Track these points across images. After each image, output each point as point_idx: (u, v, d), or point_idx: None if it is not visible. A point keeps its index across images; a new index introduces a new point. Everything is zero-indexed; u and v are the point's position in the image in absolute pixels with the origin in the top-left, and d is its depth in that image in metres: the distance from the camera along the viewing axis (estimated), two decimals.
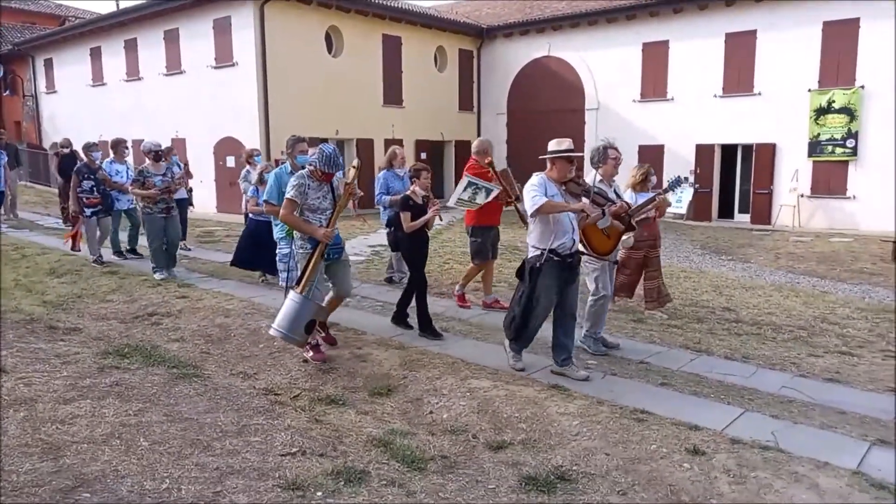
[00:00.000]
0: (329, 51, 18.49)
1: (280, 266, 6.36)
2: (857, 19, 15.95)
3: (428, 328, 6.10)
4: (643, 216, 6.50)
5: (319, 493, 3.22)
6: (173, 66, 19.04)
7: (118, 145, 10.09)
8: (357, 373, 5.11)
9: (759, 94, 17.51)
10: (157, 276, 8.36)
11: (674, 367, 5.42)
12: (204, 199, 17.41)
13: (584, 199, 5.14)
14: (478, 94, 23.19)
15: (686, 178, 6.54)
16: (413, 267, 6.21)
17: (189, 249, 10.90)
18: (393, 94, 20.14)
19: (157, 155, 8.41)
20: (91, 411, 4.11)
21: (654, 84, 19.33)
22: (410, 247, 6.14)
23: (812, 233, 15.83)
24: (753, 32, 17.38)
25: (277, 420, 4.12)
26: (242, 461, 3.52)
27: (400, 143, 19.09)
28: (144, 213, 8.46)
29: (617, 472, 3.57)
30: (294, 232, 5.50)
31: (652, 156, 18.88)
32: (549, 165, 5.05)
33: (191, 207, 11.70)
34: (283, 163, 7.74)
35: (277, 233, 6.36)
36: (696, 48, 18.30)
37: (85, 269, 8.92)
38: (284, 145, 6.65)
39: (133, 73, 20.47)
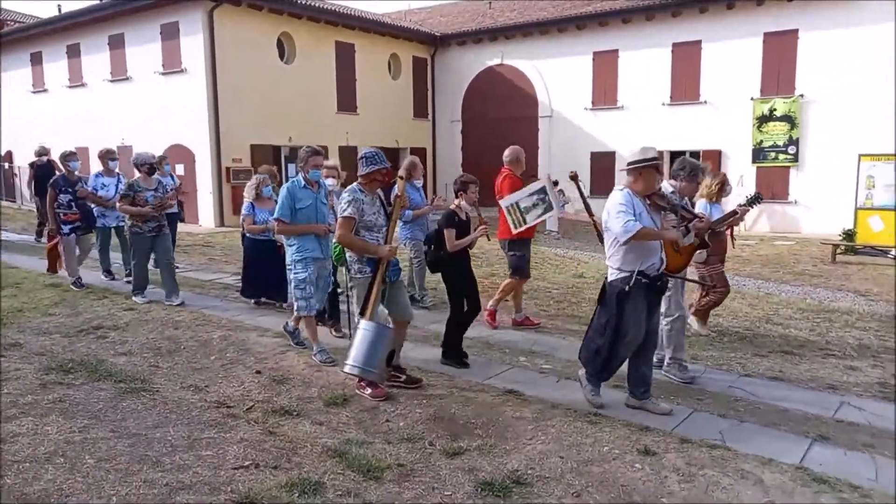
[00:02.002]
0: (281, 57, 18.33)
1: (297, 293, 5.61)
2: (796, 31, 16.63)
3: (453, 355, 5.58)
4: (718, 230, 5.94)
5: None
6: (119, 71, 18.58)
7: (104, 157, 8.98)
8: (312, 383, 5.05)
9: (705, 102, 18.08)
10: (138, 298, 7.62)
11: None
12: None
13: (670, 215, 4.71)
14: (432, 101, 23.30)
15: (760, 196, 6.03)
16: (453, 291, 5.60)
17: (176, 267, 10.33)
18: (347, 101, 20.08)
19: (152, 168, 7.67)
20: (33, 429, 3.96)
21: (604, 92, 19.76)
22: (454, 269, 5.54)
23: (757, 236, 16.37)
24: (698, 43, 17.95)
25: (230, 433, 4.04)
26: (193, 476, 3.44)
27: (354, 150, 19.03)
28: (132, 232, 7.57)
29: (571, 475, 3.62)
30: (348, 256, 4.97)
31: (604, 163, 19.29)
32: (631, 177, 4.52)
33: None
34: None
35: (292, 255, 5.61)
36: (644, 57, 18.80)
37: (26, 283, 8.60)
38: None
39: (76, 79, 19.91)
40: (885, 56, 15.52)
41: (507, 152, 6.93)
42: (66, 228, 8.34)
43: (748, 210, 5.90)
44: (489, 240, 5.86)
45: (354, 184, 4.93)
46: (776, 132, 17.15)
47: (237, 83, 16.84)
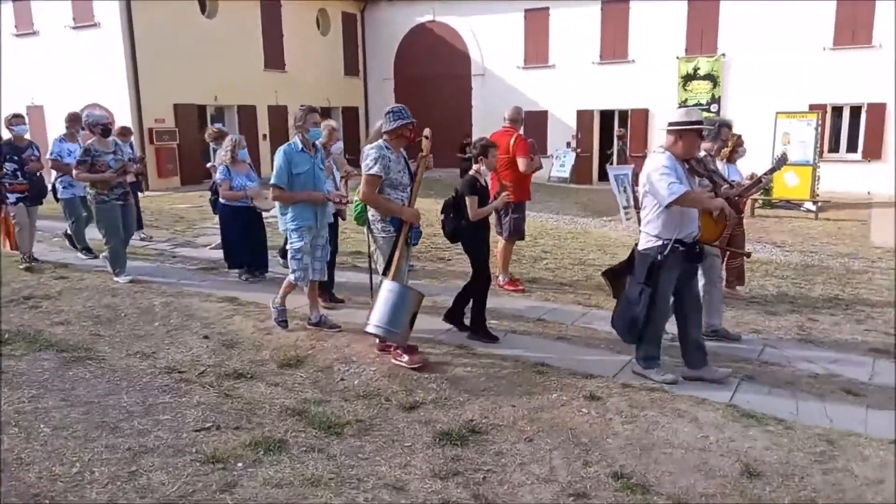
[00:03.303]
0: (202, 11, 17.50)
1: (293, 264, 5.30)
2: None
3: (481, 330, 5.32)
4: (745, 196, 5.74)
5: (240, 465, 3.23)
6: (24, 25, 17.34)
7: (73, 122, 8.17)
8: (263, 346, 5.06)
9: (633, 61, 18.48)
10: (122, 279, 6.89)
11: (568, 322, 5.79)
12: None
13: (705, 181, 4.56)
14: (363, 58, 22.85)
15: (786, 155, 6.00)
16: (477, 261, 5.30)
17: (150, 239, 9.39)
18: (274, 58, 19.45)
19: (106, 129, 6.92)
20: None
21: (536, 51, 19.88)
22: (475, 237, 5.27)
23: None
24: (627, 1, 18.23)
25: (185, 397, 4.04)
26: (155, 439, 3.46)
27: (284, 109, 18.54)
28: (97, 202, 6.83)
29: (523, 422, 3.83)
30: (370, 214, 4.80)
31: (536, 121, 19.52)
32: (671, 138, 4.31)
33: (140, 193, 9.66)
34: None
35: (286, 223, 5.28)
36: (574, 15, 18.98)
37: None
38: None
39: None
40: (798, 17, 16.24)
41: (509, 111, 6.77)
42: (12, 198, 7.51)
43: (771, 176, 5.83)
44: (510, 207, 5.81)
45: (380, 140, 4.74)
46: (700, 90, 17.78)
47: (156, 39, 15.99)
